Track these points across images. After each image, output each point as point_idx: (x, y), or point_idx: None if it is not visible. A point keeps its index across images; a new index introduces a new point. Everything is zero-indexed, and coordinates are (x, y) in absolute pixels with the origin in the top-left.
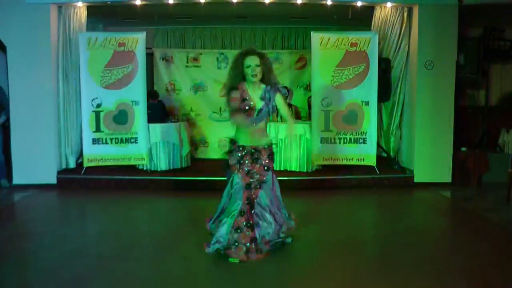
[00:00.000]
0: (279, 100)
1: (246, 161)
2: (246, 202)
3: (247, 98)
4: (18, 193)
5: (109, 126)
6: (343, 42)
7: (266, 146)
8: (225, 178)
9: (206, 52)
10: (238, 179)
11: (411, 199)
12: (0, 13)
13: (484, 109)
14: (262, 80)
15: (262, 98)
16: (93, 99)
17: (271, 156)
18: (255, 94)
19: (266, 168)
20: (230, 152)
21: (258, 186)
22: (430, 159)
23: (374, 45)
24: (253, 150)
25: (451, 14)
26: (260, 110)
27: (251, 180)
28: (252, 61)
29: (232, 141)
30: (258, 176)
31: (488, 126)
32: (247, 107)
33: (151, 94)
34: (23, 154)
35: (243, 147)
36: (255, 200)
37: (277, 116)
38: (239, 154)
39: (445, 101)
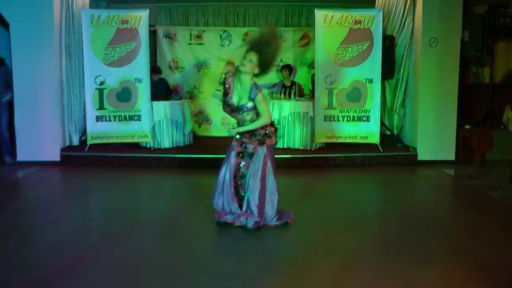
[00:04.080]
0: (259, 98)
1: (245, 139)
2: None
3: (229, 94)
4: (22, 170)
5: (112, 103)
6: (347, 19)
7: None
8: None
9: (209, 30)
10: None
11: (414, 177)
12: None
13: (489, 87)
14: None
15: (249, 98)
16: (96, 77)
17: (267, 133)
18: (242, 88)
19: (260, 142)
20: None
21: (241, 155)
22: (433, 137)
23: (378, 22)
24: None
25: None
26: (242, 106)
27: (244, 150)
28: (249, 55)
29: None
30: (250, 147)
31: (492, 103)
32: (228, 103)
33: (154, 69)
34: (27, 131)
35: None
36: (237, 167)
37: (280, 94)
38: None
39: (449, 78)
